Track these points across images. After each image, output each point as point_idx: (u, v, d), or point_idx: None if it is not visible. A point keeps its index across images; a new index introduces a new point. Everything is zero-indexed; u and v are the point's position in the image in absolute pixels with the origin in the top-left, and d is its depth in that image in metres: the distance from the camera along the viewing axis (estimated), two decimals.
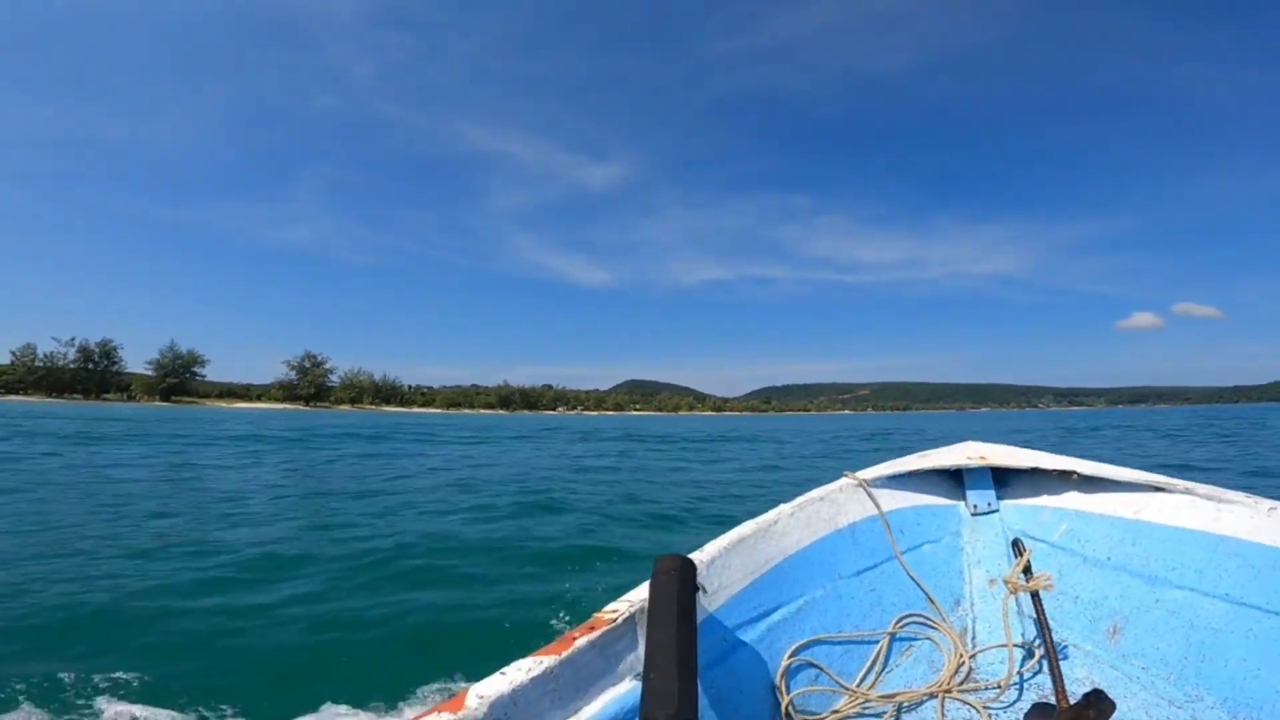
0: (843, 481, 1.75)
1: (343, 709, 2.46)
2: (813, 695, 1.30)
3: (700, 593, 1.12)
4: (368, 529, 6.08)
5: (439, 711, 0.80)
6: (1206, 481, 1.56)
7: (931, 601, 1.61)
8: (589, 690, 0.95)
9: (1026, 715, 1.16)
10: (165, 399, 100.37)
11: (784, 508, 1.55)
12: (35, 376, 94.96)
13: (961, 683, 1.40)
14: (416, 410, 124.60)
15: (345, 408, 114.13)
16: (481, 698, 0.82)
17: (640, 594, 1.06)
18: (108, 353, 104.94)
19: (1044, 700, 1.24)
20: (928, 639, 1.54)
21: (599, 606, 1.06)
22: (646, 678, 0.86)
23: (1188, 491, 1.54)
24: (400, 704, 2.52)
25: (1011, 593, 1.44)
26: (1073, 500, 1.75)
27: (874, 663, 1.43)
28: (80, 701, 2.49)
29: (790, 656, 1.30)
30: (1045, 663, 1.30)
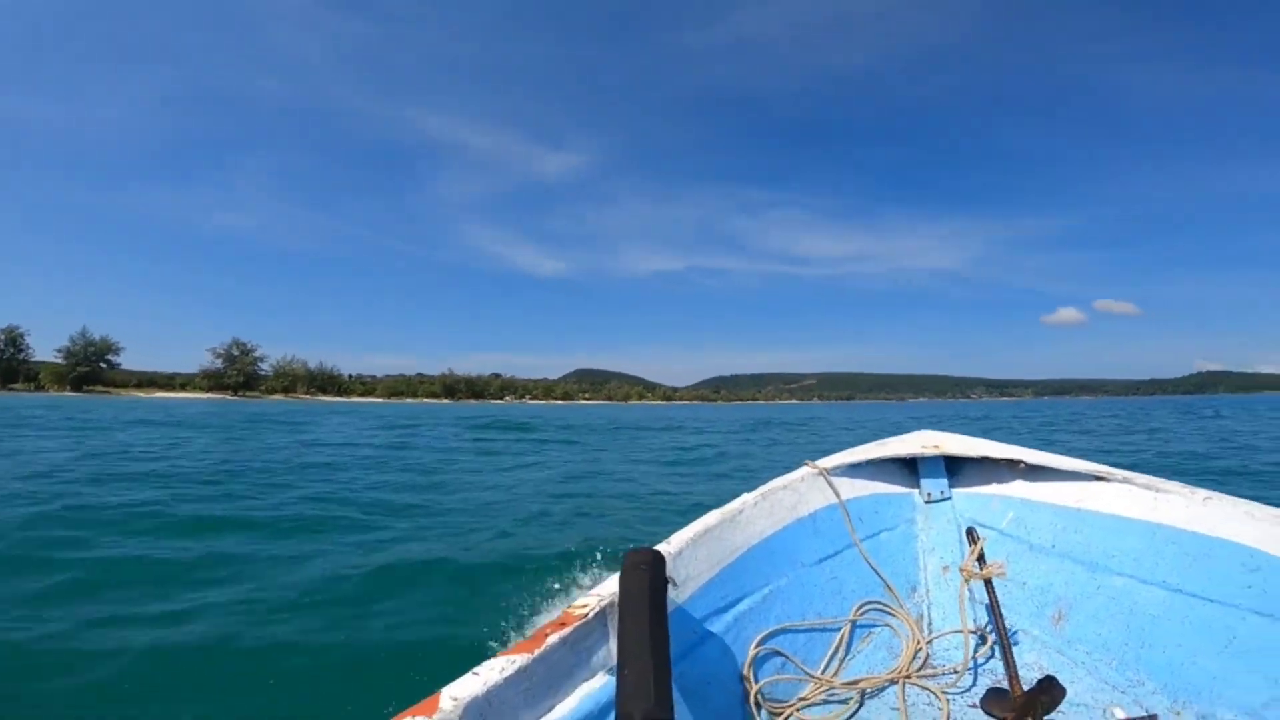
0: (804, 471, 1.76)
1: None
2: (780, 684, 1.31)
3: (672, 585, 1.13)
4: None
5: (412, 715, 0.79)
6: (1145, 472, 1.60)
7: (889, 589, 1.64)
8: (563, 687, 0.95)
9: (982, 700, 1.18)
10: (77, 389, 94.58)
11: (748, 497, 1.56)
12: None
13: (920, 668, 1.43)
14: (354, 400, 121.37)
15: (277, 397, 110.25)
16: (455, 699, 0.82)
17: (610, 588, 1.06)
18: (14, 339, 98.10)
19: (998, 685, 1.26)
20: (887, 625, 1.57)
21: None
22: (620, 673, 0.85)
23: (1126, 481, 1.59)
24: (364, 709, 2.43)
25: (966, 580, 1.48)
26: (1020, 489, 1.79)
27: (837, 650, 1.45)
28: None
29: (757, 646, 1.32)
30: (998, 649, 1.33)
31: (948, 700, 1.32)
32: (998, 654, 1.38)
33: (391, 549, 4.87)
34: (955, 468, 1.97)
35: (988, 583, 1.46)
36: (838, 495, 1.74)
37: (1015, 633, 1.54)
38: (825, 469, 1.79)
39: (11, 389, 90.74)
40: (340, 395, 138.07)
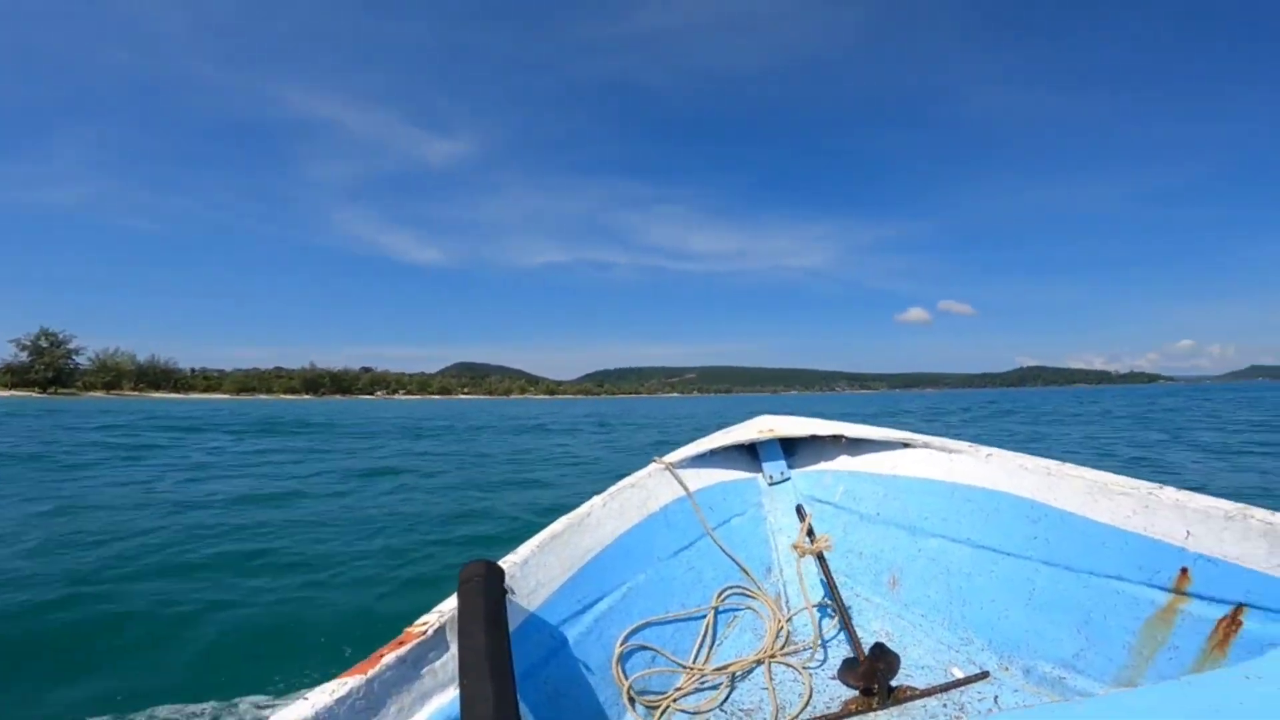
0: (651, 467, 1.79)
1: None
2: (653, 677, 1.34)
3: (511, 595, 1.13)
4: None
5: None
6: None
7: (746, 572, 1.70)
8: (405, 705, 0.94)
9: (838, 671, 1.30)
10: None
11: (596, 500, 1.57)
12: None
13: (783, 646, 1.49)
14: (193, 397, 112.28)
15: (97, 394, 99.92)
16: None
17: (451, 604, 1.06)
18: None
19: (850, 655, 1.36)
20: (749, 608, 1.63)
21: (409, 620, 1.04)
22: (462, 685, 0.86)
23: (926, 445, 1.74)
24: None
25: (800, 556, 1.56)
26: (845, 463, 1.93)
27: (704, 638, 1.49)
28: None
29: (622, 643, 1.34)
30: (844, 619, 1.41)
31: (809, 675, 1.37)
32: (851, 624, 1.44)
33: None
34: (791, 448, 2.08)
35: (819, 556, 1.55)
36: (685, 487, 1.77)
37: (860, 600, 1.63)
38: (671, 463, 1.82)
39: None
40: (177, 392, 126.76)
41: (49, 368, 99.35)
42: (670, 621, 1.48)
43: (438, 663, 1.01)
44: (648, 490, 1.71)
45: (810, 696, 1.31)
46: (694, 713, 1.30)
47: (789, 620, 1.59)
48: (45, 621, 3.23)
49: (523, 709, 0.88)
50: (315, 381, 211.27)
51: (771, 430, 2.05)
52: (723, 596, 1.61)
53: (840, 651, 1.46)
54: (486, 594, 0.99)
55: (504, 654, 0.91)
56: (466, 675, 0.86)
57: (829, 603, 1.54)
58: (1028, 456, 1.51)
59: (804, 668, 1.40)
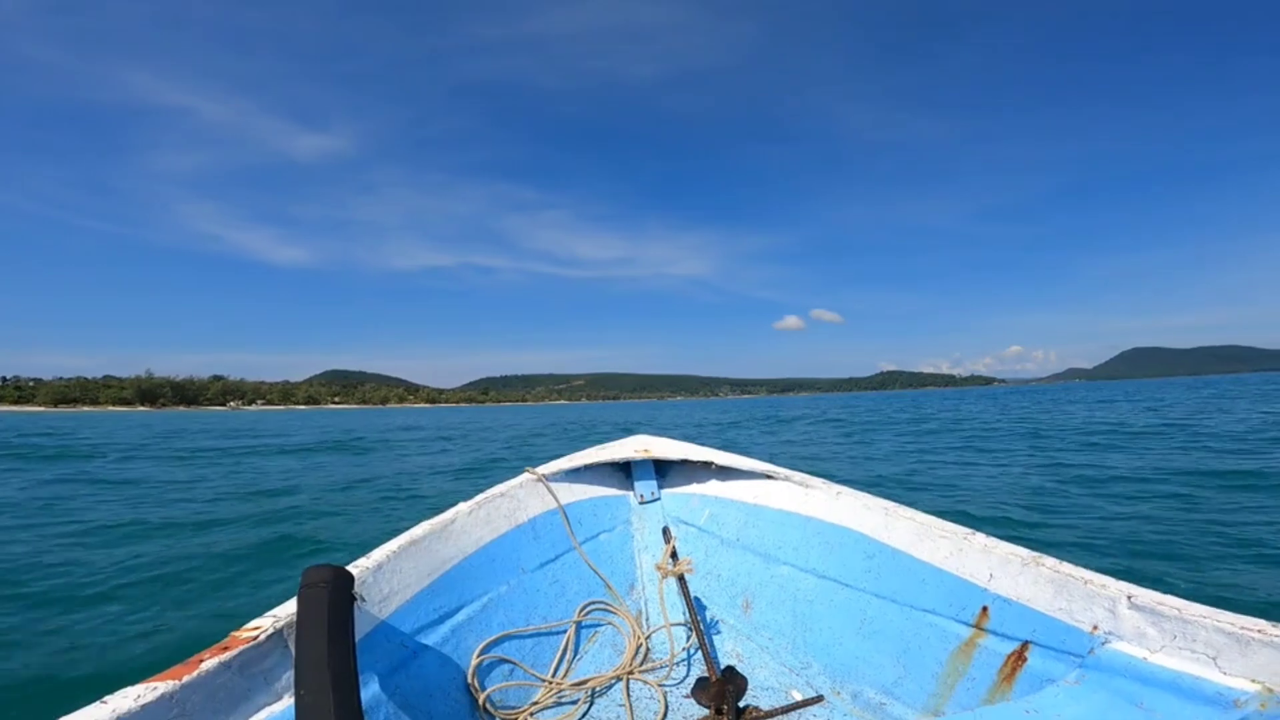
0: (523, 477, 1.81)
1: None
2: (510, 690, 1.34)
3: (360, 602, 1.10)
4: None
5: None
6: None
7: (610, 588, 1.73)
8: (231, 715, 0.90)
9: (692, 690, 1.32)
10: None
11: (462, 506, 1.57)
12: None
13: (642, 663, 1.51)
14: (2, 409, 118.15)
15: None
16: None
17: (288, 609, 1.01)
18: None
19: (704, 675, 1.36)
20: (610, 624, 1.65)
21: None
22: (298, 694, 0.82)
23: (787, 479, 1.82)
24: None
25: (664, 577, 1.57)
26: (713, 488, 2.00)
27: (564, 652, 1.50)
28: None
29: (480, 655, 1.33)
30: (700, 640, 1.44)
31: (665, 693, 1.40)
32: (706, 645, 1.47)
33: None
34: (663, 470, 2.15)
35: (680, 578, 1.55)
36: (557, 500, 1.79)
37: (717, 622, 1.69)
38: (544, 475, 1.84)
39: None
40: None
41: None
42: (531, 635, 1.48)
43: (272, 671, 0.96)
44: (517, 500, 1.72)
45: (665, 714, 1.34)
46: None
47: (648, 638, 1.62)
48: None
49: None
50: (152, 392, 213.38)
51: (646, 450, 2.10)
52: (585, 611, 1.63)
53: (696, 670, 1.50)
54: (331, 600, 0.94)
55: (348, 663, 0.88)
56: (304, 685, 0.82)
57: (687, 622, 1.56)
58: (871, 496, 1.61)
59: (660, 685, 1.43)
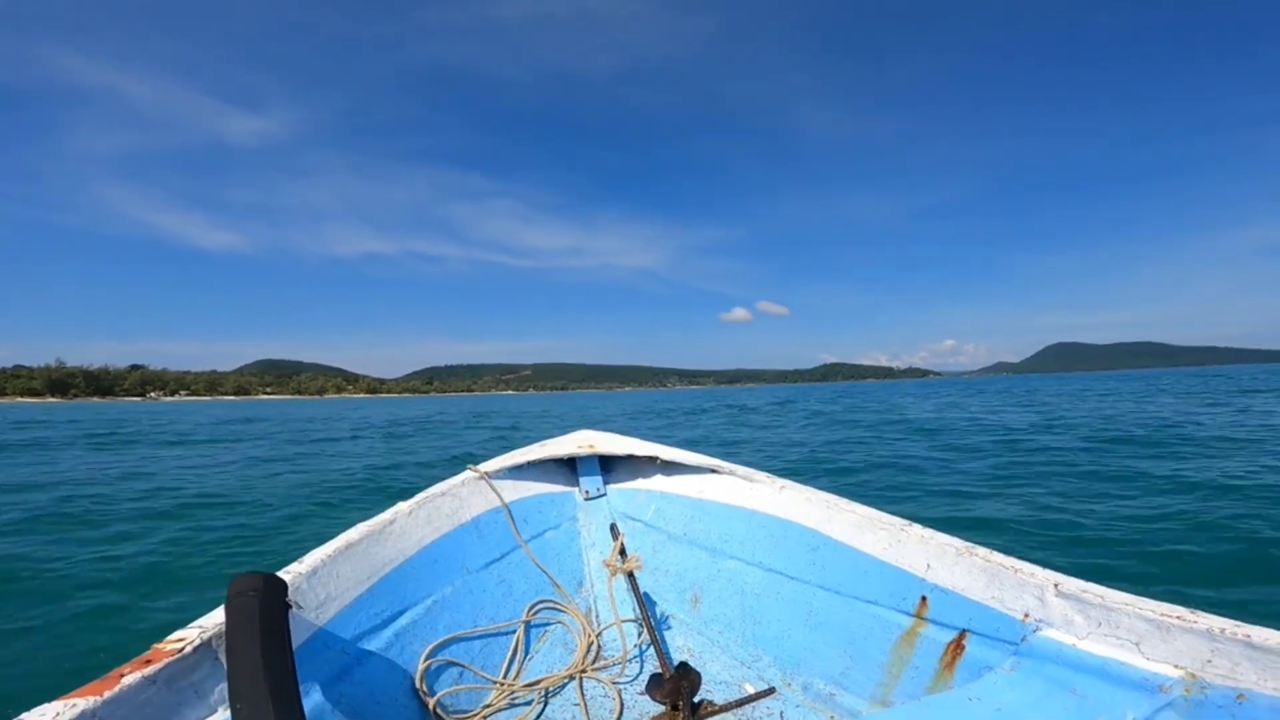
0: (465, 475, 1.78)
1: None
2: (461, 694, 1.31)
3: (296, 609, 1.06)
4: None
5: None
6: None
7: (558, 586, 1.71)
8: None
9: (646, 686, 1.30)
10: None
11: (401, 506, 1.53)
12: None
13: (594, 661, 1.50)
14: None
15: None
16: None
17: (215, 619, 0.97)
18: None
19: (657, 671, 1.35)
20: (559, 623, 1.63)
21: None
22: (234, 707, 0.78)
23: (732, 473, 1.83)
24: None
25: (612, 574, 1.56)
26: (659, 483, 2.00)
27: (515, 652, 1.47)
28: None
29: (427, 658, 1.30)
30: (651, 636, 1.43)
31: (619, 690, 1.39)
32: (658, 640, 1.47)
33: None
34: (609, 465, 2.13)
35: (629, 575, 1.54)
36: (501, 498, 1.76)
37: (668, 618, 1.68)
38: (487, 472, 1.81)
39: None
40: None
41: None
42: (479, 636, 1.46)
43: (203, 684, 0.92)
44: (460, 499, 1.68)
45: (621, 712, 1.32)
46: None
47: (599, 635, 1.60)
48: None
49: None
50: (63, 382, 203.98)
51: (591, 446, 2.08)
52: (534, 610, 1.61)
53: (649, 667, 1.49)
54: (263, 608, 0.90)
55: (286, 673, 0.85)
56: (240, 697, 0.79)
57: (638, 619, 1.55)
58: (813, 490, 1.63)
59: (614, 683, 1.42)
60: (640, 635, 1.58)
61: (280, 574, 1.09)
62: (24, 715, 0.74)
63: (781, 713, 1.31)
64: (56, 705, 0.77)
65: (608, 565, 1.57)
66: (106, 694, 0.80)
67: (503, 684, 1.37)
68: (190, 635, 0.94)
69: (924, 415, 15.28)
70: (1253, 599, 2.78)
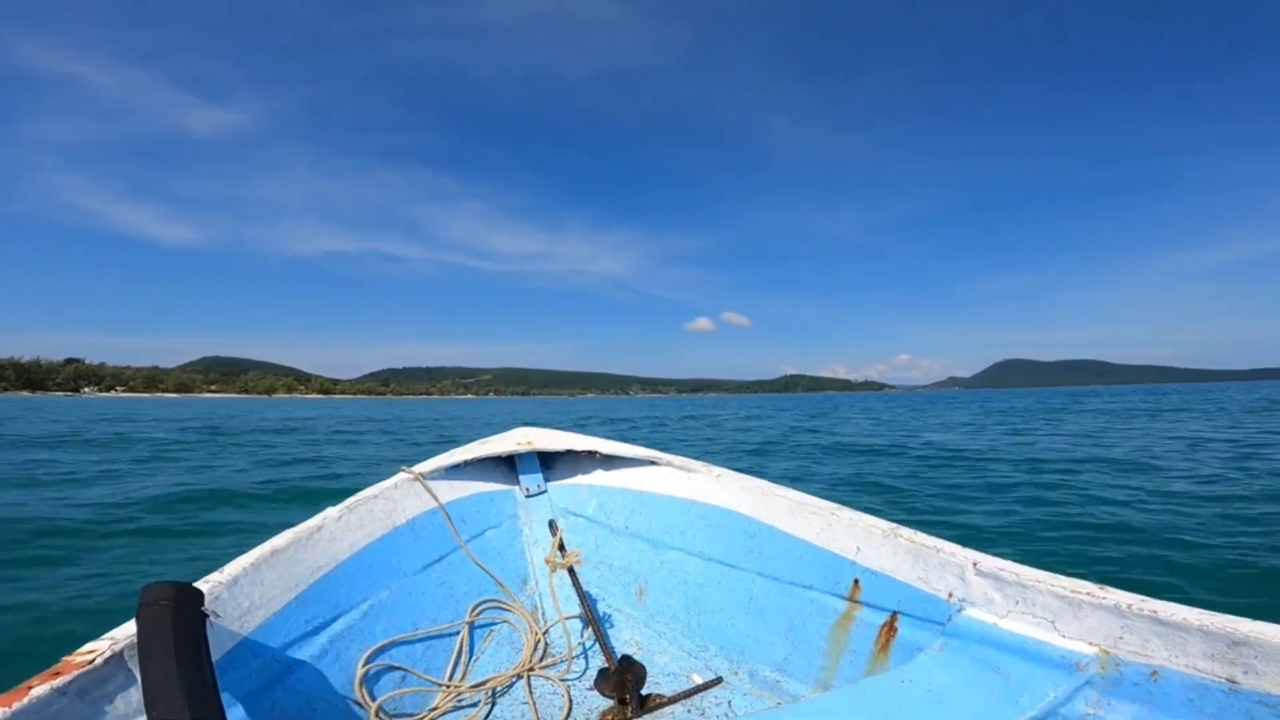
0: (399, 477, 1.74)
1: None
2: (405, 697, 1.30)
3: (214, 618, 1.04)
4: None
5: None
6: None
7: (501, 585, 1.69)
8: None
9: (594, 682, 1.32)
10: None
11: (330, 512, 1.49)
12: None
13: (542, 659, 1.50)
14: None
15: None
16: None
17: (127, 630, 0.94)
18: None
19: (604, 666, 1.37)
20: (505, 622, 1.62)
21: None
22: (150, 717, 0.78)
23: (670, 464, 1.84)
24: None
25: (552, 570, 1.54)
26: (599, 477, 1.99)
27: (459, 654, 1.46)
28: None
29: (366, 663, 1.29)
30: (598, 631, 1.45)
31: (567, 687, 1.39)
32: (603, 635, 1.47)
33: None
34: (549, 462, 2.11)
35: (571, 570, 1.55)
36: (437, 499, 1.74)
37: (613, 612, 1.69)
38: (422, 473, 1.78)
39: None
40: None
41: None
42: (421, 639, 1.44)
43: (116, 696, 0.90)
44: (393, 502, 1.65)
45: (570, 709, 1.32)
46: None
47: (546, 633, 1.61)
48: None
49: None
50: None
51: (530, 443, 2.06)
52: (477, 611, 1.60)
53: (597, 662, 1.48)
54: (177, 617, 0.89)
55: (205, 682, 0.84)
56: (156, 707, 0.78)
57: (584, 614, 1.55)
58: (748, 477, 1.64)
59: (562, 680, 1.42)
60: (586, 631, 1.57)
61: (200, 584, 1.07)
62: None
63: (729, 702, 1.32)
64: None
65: (548, 562, 1.56)
66: (15, 705, 0.78)
67: (448, 686, 1.36)
68: (101, 647, 0.91)
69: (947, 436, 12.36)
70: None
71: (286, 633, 1.21)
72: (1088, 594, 0.95)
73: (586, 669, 1.48)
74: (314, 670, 1.22)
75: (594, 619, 1.45)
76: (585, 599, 1.51)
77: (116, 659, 0.91)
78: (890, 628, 1.20)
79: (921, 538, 1.23)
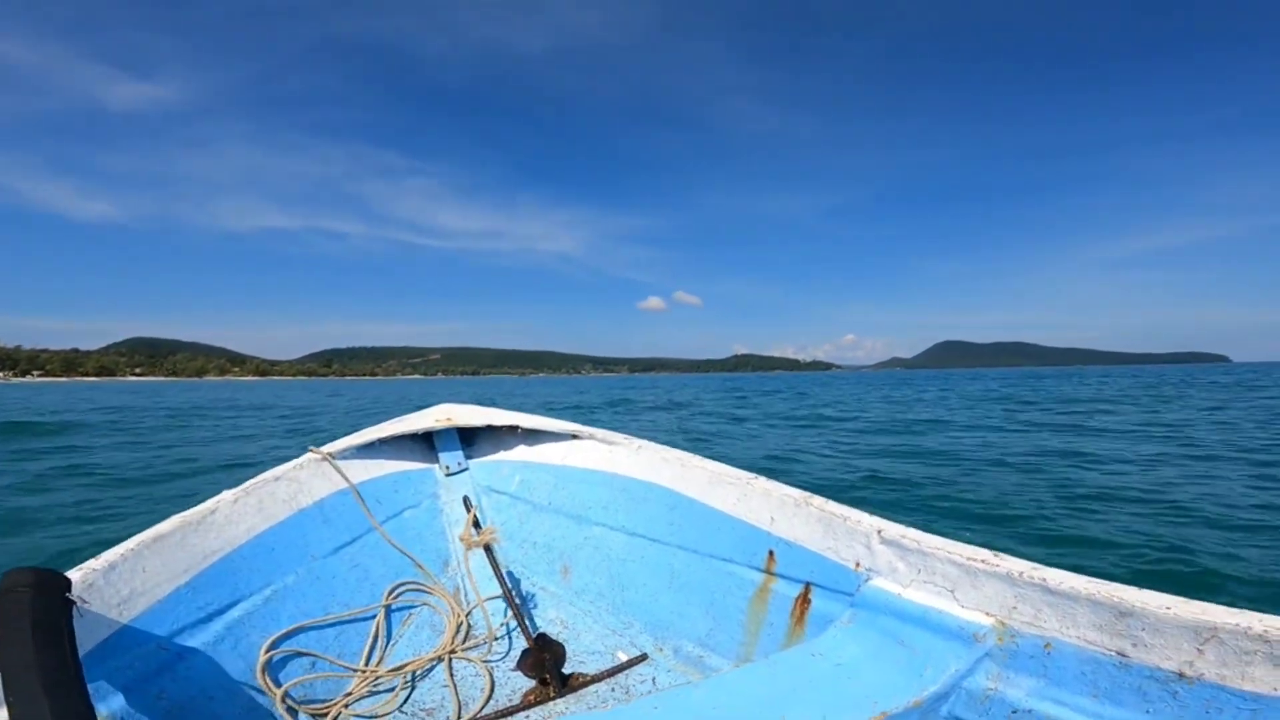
0: (305, 458, 1.66)
1: None
2: (315, 683, 1.27)
3: (83, 604, 1.01)
4: None
5: None
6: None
7: (420, 567, 1.64)
8: None
9: (518, 662, 1.33)
10: None
11: (226, 495, 1.41)
12: None
13: (464, 641, 1.48)
14: None
15: None
16: None
17: None
18: None
19: (528, 647, 1.35)
20: (425, 604, 1.58)
21: None
22: (8, 704, 0.76)
23: (592, 437, 1.81)
24: None
25: (468, 549, 1.51)
26: (522, 453, 1.95)
27: (375, 638, 1.42)
28: None
29: (269, 650, 1.24)
30: (520, 610, 1.42)
31: (490, 669, 1.37)
32: (523, 615, 1.45)
33: None
34: (470, 438, 2.06)
35: (488, 548, 1.51)
36: (348, 479, 1.68)
37: (536, 592, 1.67)
38: (330, 454, 1.71)
39: None
40: None
41: None
42: (333, 624, 1.39)
43: None
44: (298, 483, 1.58)
45: (492, 690, 1.31)
46: (370, 717, 1.24)
47: (468, 615, 1.58)
48: None
49: None
50: None
51: (449, 419, 1.99)
52: (395, 594, 1.55)
53: (520, 643, 1.47)
54: (37, 604, 0.87)
55: (68, 669, 0.82)
56: (14, 694, 0.76)
57: (506, 594, 1.50)
58: (669, 449, 1.63)
59: (484, 661, 1.40)
60: (509, 612, 1.51)
61: (71, 572, 1.03)
62: None
63: (654, 678, 1.32)
64: None
65: (462, 539, 1.51)
66: None
67: (364, 671, 1.32)
68: None
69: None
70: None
71: (175, 620, 1.16)
72: (983, 561, 0.94)
73: (510, 650, 1.46)
74: (207, 658, 1.17)
75: (515, 598, 1.42)
76: (505, 578, 1.47)
77: None
78: (804, 599, 1.20)
79: (832, 506, 1.21)
